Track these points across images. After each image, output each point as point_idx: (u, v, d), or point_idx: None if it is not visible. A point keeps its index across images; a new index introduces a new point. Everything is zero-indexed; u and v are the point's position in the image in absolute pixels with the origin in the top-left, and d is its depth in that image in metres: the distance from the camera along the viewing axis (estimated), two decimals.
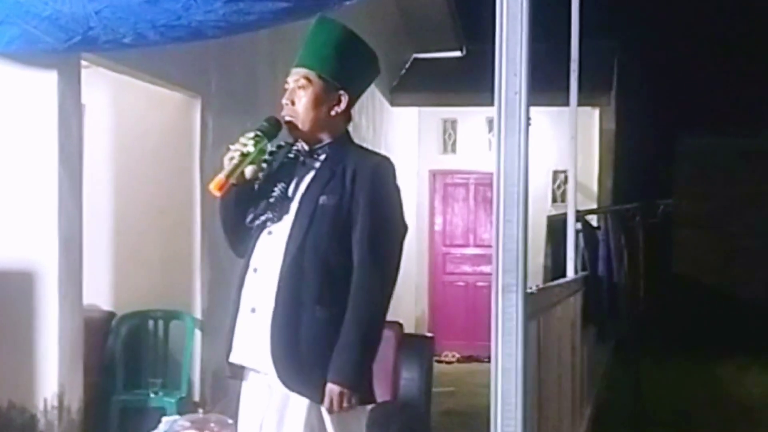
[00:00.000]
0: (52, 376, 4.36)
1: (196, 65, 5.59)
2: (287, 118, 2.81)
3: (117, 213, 5.82)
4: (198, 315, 5.71)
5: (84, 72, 4.62)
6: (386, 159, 2.88)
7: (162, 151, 5.76)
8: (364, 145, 3.14)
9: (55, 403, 4.36)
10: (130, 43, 3.79)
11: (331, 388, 2.65)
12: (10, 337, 4.39)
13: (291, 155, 2.86)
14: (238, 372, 2.85)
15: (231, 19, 3.48)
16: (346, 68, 2.82)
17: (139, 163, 5.78)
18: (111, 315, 5.62)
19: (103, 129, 5.78)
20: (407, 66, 11.42)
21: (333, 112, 2.82)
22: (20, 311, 4.37)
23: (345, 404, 2.65)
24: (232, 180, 2.74)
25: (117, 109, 5.82)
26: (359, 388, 2.69)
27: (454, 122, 11.10)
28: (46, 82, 4.36)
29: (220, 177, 2.71)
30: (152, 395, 5.40)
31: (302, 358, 2.68)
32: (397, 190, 2.83)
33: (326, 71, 2.79)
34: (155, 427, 4.05)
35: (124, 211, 5.80)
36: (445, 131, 11.15)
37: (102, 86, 5.56)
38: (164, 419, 4.10)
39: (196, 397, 5.64)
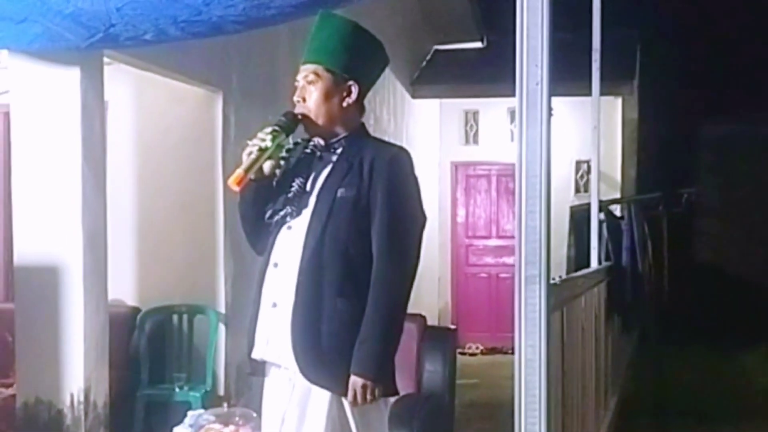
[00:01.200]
0: (79, 372, 4.39)
1: (217, 60, 5.61)
2: (301, 115, 2.82)
3: (140, 208, 5.85)
4: (222, 309, 5.73)
5: (106, 69, 4.64)
6: (403, 149, 2.89)
7: (184, 147, 5.79)
8: (386, 137, 3.14)
9: (82, 398, 4.39)
10: (151, 40, 3.80)
11: (354, 381, 2.65)
12: (36, 333, 4.43)
13: (308, 150, 2.87)
14: (260, 368, 2.85)
15: (251, 14, 3.49)
16: (353, 58, 2.82)
17: (161, 159, 5.81)
18: (136, 310, 5.65)
19: (125, 125, 5.81)
20: (428, 58, 11.39)
21: (345, 104, 2.82)
22: (46, 307, 4.41)
23: (368, 396, 2.66)
24: (251, 175, 2.74)
25: (139, 105, 5.85)
26: (382, 380, 2.70)
27: (475, 113, 11.06)
28: (69, 79, 4.39)
29: (239, 172, 2.71)
30: (177, 390, 5.43)
31: (324, 351, 2.68)
32: (415, 180, 2.83)
33: (333, 63, 2.79)
34: (181, 421, 4.07)
35: (147, 206, 5.83)
36: (466, 122, 11.12)
37: (124, 82, 5.59)
38: (189, 413, 4.12)
39: (221, 391, 5.67)
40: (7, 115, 4.92)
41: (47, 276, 4.40)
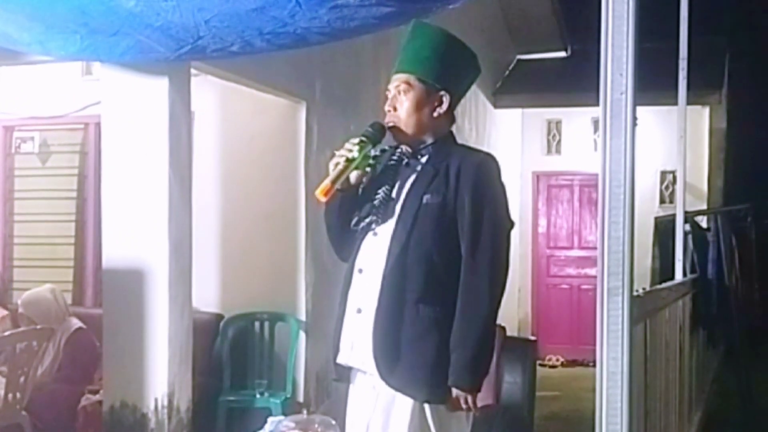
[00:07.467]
0: (163, 376, 4.47)
1: (301, 71, 5.67)
2: (391, 124, 2.82)
3: (224, 216, 5.94)
4: (302, 317, 5.78)
5: (193, 80, 4.73)
6: (490, 156, 2.86)
7: (268, 156, 5.86)
8: None
9: (166, 403, 4.46)
10: (237, 51, 3.86)
11: (457, 394, 2.67)
12: (122, 338, 4.52)
13: (395, 158, 2.88)
14: (345, 374, 2.88)
15: (335, 26, 3.51)
16: (445, 69, 2.82)
17: (245, 168, 5.90)
18: (219, 317, 5.73)
19: (211, 135, 5.91)
20: (510, 67, 11.34)
21: (435, 113, 2.82)
22: (132, 313, 4.50)
23: (464, 405, 2.67)
24: (338, 186, 2.75)
25: (224, 115, 5.95)
26: (477, 389, 2.69)
27: (558, 123, 10.98)
28: (157, 90, 4.48)
29: (326, 183, 2.73)
30: (258, 396, 5.49)
31: (404, 357, 2.68)
32: (502, 185, 2.80)
33: (425, 73, 2.80)
34: (261, 427, 4.11)
35: (231, 214, 5.92)
36: (549, 132, 11.04)
37: (210, 93, 5.69)
38: (270, 419, 4.14)
39: (301, 398, 5.71)
40: (98, 125, 5.06)
41: (134, 282, 4.49)
